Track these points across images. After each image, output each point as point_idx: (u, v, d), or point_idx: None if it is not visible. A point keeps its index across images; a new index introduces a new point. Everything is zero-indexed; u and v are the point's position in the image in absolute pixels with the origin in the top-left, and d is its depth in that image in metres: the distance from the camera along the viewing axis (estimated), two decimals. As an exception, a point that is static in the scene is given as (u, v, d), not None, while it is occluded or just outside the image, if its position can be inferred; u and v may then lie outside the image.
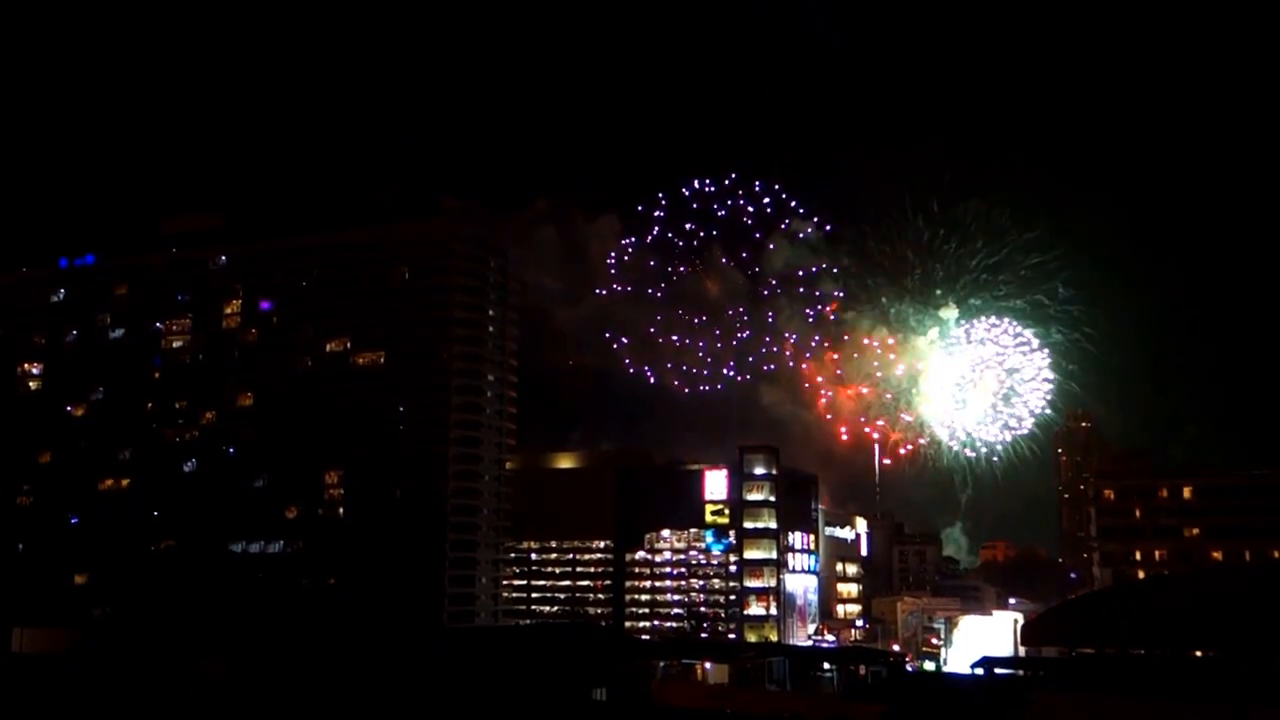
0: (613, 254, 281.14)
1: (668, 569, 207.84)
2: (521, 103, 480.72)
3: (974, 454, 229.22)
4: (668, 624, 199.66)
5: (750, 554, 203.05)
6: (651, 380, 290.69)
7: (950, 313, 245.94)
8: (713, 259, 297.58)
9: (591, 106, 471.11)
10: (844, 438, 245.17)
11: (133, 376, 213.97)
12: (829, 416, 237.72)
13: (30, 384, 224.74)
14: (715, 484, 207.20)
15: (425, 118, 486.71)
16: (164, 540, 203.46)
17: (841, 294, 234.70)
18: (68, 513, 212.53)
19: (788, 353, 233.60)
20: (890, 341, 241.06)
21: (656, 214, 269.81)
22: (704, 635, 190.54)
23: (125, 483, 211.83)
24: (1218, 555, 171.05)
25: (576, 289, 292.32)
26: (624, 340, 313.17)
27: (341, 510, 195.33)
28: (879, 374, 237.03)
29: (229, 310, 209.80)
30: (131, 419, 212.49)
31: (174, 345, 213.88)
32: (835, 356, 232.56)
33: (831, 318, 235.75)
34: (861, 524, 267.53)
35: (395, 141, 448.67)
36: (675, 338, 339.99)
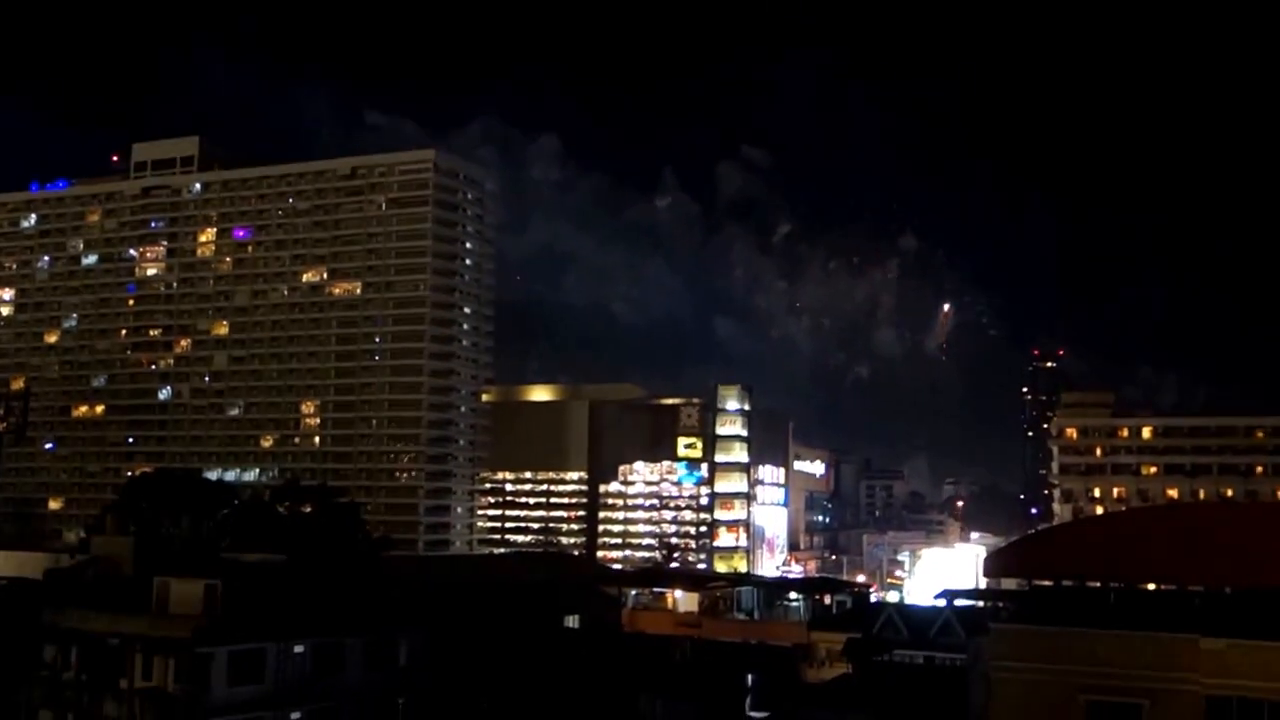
0: (556, 177, 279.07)
1: (640, 500, 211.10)
2: (452, 15, 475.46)
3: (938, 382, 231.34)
4: (639, 554, 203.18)
5: (721, 486, 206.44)
6: (601, 310, 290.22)
7: (910, 242, 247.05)
8: (664, 185, 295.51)
9: (527, 18, 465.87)
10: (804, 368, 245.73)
11: (106, 303, 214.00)
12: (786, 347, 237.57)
13: (2, 310, 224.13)
14: (688, 418, 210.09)
15: (352, 26, 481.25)
16: (139, 467, 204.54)
17: (792, 226, 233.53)
18: (42, 439, 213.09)
19: (742, 283, 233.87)
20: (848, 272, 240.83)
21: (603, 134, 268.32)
22: (675, 565, 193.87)
23: (100, 409, 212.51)
24: (1174, 493, 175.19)
25: (519, 214, 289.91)
26: (571, 268, 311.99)
27: (317, 439, 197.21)
28: (837, 304, 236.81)
29: (203, 238, 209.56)
30: (105, 346, 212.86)
31: (148, 273, 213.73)
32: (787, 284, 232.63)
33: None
34: (830, 459, 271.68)
35: (319, 53, 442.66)
36: (624, 267, 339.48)
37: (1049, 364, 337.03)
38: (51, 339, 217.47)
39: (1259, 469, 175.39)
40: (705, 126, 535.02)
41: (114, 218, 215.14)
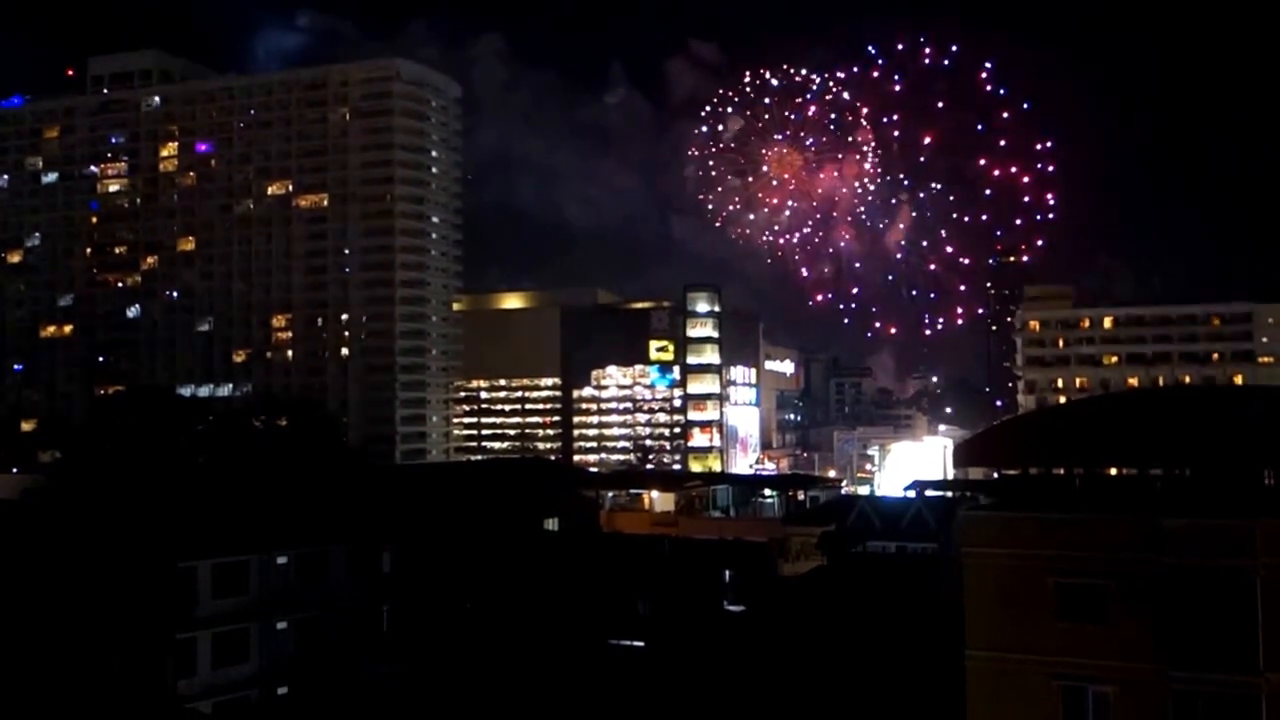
0: (502, 77, 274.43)
1: (614, 404, 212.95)
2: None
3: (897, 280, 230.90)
4: (615, 457, 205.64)
5: (694, 388, 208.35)
6: (556, 212, 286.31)
7: (867, 136, 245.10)
8: (614, 83, 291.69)
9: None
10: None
11: (69, 221, 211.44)
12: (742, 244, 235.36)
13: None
14: (659, 321, 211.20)
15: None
16: (112, 385, 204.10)
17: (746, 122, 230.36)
18: (10, 361, 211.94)
19: (694, 182, 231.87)
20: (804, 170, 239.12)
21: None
22: (650, 466, 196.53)
23: (68, 329, 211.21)
24: (1134, 381, 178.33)
25: (466, 116, 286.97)
26: (523, 171, 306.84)
27: (290, 353, 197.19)
28: (792, 203, 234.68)
29: (165, 153, 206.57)
30: (70, 265, 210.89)
31: (110, 189, 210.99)
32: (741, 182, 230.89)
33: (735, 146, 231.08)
34: (799, 358, 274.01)
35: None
36: (577, 168, 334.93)
37: (1012, 258, 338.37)
38: (15, 259, 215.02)
39: (1215, 355, 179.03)
40: (651, 18, 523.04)
41: (73, 134, 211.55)
